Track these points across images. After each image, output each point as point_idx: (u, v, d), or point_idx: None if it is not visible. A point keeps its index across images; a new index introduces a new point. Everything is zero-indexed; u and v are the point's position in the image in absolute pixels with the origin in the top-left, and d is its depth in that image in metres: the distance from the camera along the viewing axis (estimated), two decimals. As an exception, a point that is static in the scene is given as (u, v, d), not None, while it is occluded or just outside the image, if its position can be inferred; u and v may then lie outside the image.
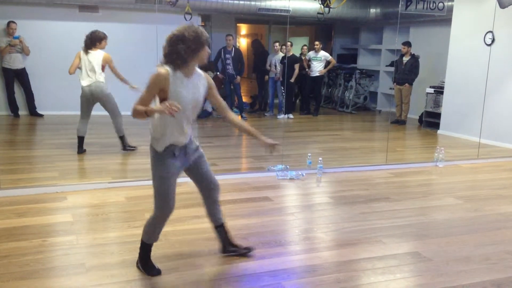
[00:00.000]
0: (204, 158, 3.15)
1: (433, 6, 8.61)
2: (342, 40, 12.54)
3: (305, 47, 10.74)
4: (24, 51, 8.35)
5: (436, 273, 3.22)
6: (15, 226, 3.80)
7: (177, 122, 2.86)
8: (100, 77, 5.97)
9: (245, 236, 3.68)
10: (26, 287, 2.89)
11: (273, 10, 9.49)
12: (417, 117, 9.74)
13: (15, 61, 8.31)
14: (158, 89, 2.80)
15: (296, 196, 5.03)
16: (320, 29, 12.85)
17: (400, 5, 8.08)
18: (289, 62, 9.37)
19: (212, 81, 3.07)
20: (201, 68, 3.03)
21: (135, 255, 3.20)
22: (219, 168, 5.72)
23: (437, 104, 9.04)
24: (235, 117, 3.22)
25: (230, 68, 9.41)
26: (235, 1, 9.21)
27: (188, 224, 3.94)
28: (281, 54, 9.88)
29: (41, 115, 8.53)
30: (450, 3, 8.50)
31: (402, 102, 9.45)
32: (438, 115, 8.87)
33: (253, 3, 9.33)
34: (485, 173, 6.12)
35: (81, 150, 6.13)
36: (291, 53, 9.79)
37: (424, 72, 9.46)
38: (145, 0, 8.45)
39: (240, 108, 9.65)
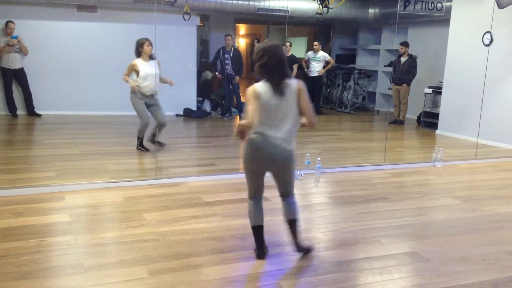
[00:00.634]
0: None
1: (431, 6, 8.63)
2: (341, 40, 12.54)
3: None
4: (22, 51, 8.34)
5: (434, 273, 3.23)
6: (12, 226, 3.79)
7: None
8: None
9: (244, 236, 3.68)
10: (24, 287, 2.88)
11: (272, 10, 9.48)
12: (416, 117, 9.75)
13: (13, 61, 8.31)
14: None
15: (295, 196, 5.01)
16: (318, 29, 12.84)
17: (398, 6, 8.10)
18: (288, 62, 9.33)
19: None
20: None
21: (133, 255, 3.19)
22: (217, 168, 5.71)
23: (435, 104, 9.04)
24: None
25: (229, 68, 9.40)
26: (234, 1, 9.20)
27: (186, 224, 3.94)
28: (280, 54, 9.83)
29: (39, 115, 8.52)
30: (448, 4, 8.51)
31: (400, 102, 9.46)
32: (436, 115, 8.88)
33: (251, 3, 9.33)
34: (483, 173, 6.12)
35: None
36: (290, 54, 9.78)
37: (422, 72, 9.47)
38: (143, 0, 8.44)
39: (239, 108, 9.65)
